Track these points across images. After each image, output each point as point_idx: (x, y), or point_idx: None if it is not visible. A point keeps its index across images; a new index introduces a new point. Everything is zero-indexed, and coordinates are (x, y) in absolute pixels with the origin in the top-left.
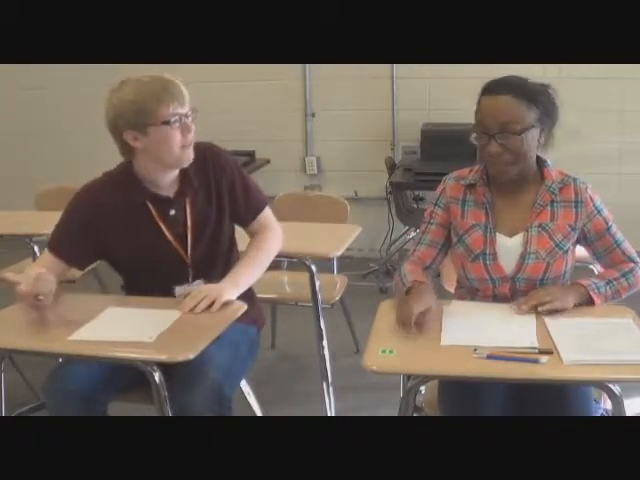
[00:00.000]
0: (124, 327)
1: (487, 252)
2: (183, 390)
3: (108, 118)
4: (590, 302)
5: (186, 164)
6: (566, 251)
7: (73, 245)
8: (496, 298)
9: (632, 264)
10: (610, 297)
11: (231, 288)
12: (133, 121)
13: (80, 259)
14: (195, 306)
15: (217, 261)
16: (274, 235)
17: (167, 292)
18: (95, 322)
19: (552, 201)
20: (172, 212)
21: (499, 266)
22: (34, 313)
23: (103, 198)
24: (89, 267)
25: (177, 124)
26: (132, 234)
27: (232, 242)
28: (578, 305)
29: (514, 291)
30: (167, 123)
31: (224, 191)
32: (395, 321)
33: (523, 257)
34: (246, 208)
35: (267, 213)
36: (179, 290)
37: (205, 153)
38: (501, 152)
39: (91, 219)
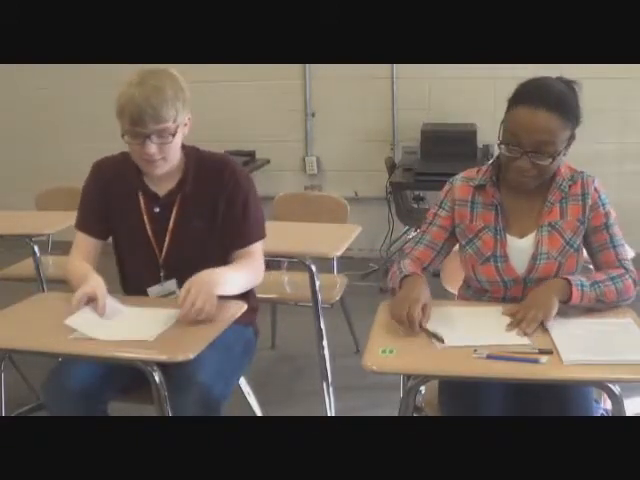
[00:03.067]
0: (124, 326)
1: (498, 254)
2: (173, 393)
3: None
4: (569, 299)
5: (151, 174)
6: (577, 249)
7: (95, 219)
8: (506, 300)
9: (623, 270)
10: (594, 299)
11: (219, 285)
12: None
13: (100, 230)
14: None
15: (196, 271)
16: (257, 268)
17: (141, 289)
18: (94, 321)
19: (562, 198)
20: (157, 209)
21: (511, 268)
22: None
23: (109, 176)
24: None
25: (133, 140)
26: (123, 219)
27: (224, 263)
28: (560, 301)
29: (526, 293)
30: (122, 136)
31: (220, 211)
32: (392, 317)
33: (535, 258)
34: (235, 235)
35: (256, 247)
36: (151, 291)
37: (216, 167)
38: (531, 168)
39: (99, 192)
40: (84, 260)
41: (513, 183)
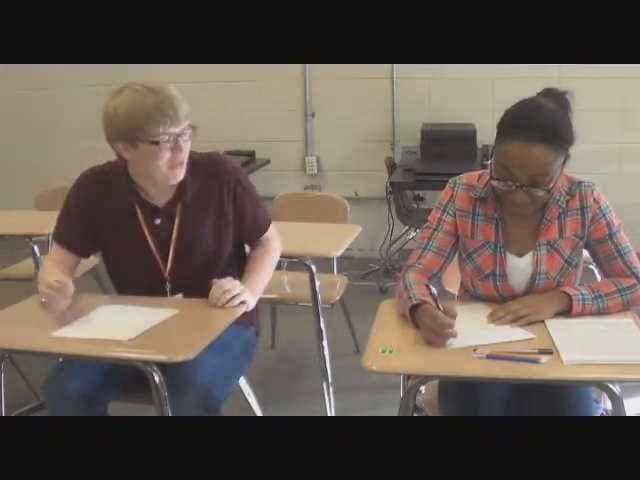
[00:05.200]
0: (107, 326)
1: (497, 273)
2: (172, 393)
3: (103, 124)
4: (569, 311)
5: (173, 182)
6: (576, 265)
7: (73, 232)
8: None
9: (634, 280)
10: (595, 313)
11: (253, 298)
12: (123, 133)
13: (81, 247)
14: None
15: (203, 280)
16: (276, 247)
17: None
18: (82, 320)
19: (560, 214)
20: (157, 221)
21: (509, 286)
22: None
23: (99, 189)
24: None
25: (166, 145)
26: (118, 234)
27: (231, 262)
28: (559, 313)
29: None
30: (156, 143)
31: (229, 213)
32: (427, 341)
33: (534, 278)
34: (253, 229)
35: (271, 230)
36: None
37: (213, 170)
38: (527, 201)
39: (86, 207)
40: (62, 268)
41: (510, 212)
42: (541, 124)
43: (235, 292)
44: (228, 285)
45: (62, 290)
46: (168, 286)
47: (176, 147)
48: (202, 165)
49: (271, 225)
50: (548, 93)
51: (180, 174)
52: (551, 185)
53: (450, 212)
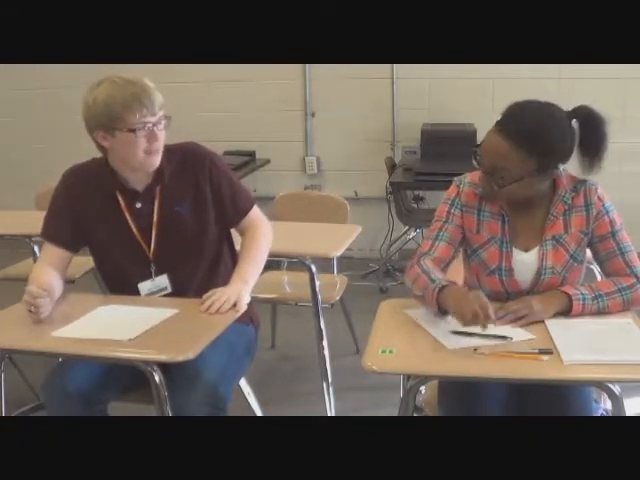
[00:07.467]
0: (107, 326)
1: (503, 268)
2: (178, 392)
3: (83, 115)
4: (569, 311)
5: (150, 169)
6: (581, 261)
7: (63, 228)
8: None
9: (634, 279)
10: (595, 313)
11: (246, 289)
12: (102, 122)
13: (72, 242)
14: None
15: (187, 262)
16: (265, 231)
17: (132, 286)
18: (82, 320)
19: (565, 210)
20: (138, 205)
21: (515, 281)
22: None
23: (82, 183)
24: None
25: (143, 132)
26: (102, 222)
27: (219, 247)
28: (559, 313)
29: None
30: (133, 131)
31: (207, 194)
32: (461, 315)
33: (539, 273)
34: (233, 210)
35: (255, 212)
36: (142, 287)
37: (187, 155)
38: (488, 189)
39: (71, 201)
40: (52, 269)
41: (511, 207)
42: (516, 121)
43: (223, 299)
44: (213, 296)
45: (48, 294)
46: (153, 268)
47: (152, 136)
48: (177, 151)
49: (255, 209)
50: (574, 111)
51: (156, 162)
52: (508, 184)
53: (458, 206)
